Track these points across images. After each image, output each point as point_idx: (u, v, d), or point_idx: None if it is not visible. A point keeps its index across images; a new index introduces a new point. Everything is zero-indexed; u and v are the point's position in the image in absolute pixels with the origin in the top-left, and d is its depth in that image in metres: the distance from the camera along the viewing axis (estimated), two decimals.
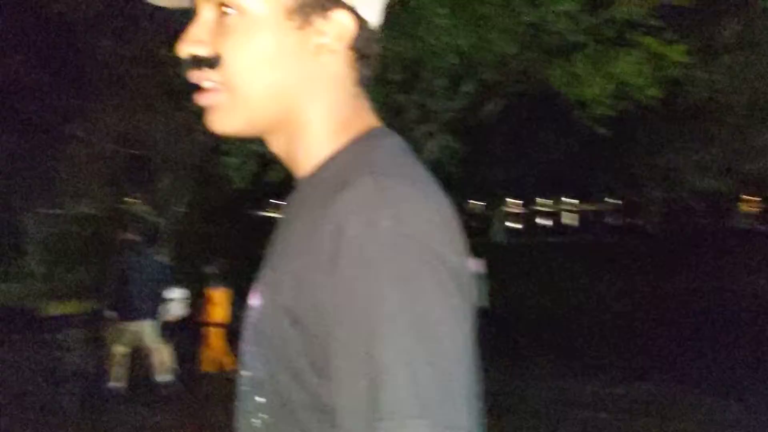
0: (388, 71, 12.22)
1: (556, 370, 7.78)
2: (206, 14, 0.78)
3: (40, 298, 13.56)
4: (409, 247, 0.65)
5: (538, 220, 53.73)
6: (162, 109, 15.41)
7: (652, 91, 11.48)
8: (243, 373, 0.82)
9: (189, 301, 8.79)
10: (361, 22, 0.81)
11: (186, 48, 0.78)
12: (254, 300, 0.81)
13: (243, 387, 0.81)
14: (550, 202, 58.93)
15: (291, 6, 0.76)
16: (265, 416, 0.75)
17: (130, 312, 7.53)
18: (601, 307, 12.84)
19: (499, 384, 7.41)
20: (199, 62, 0.78)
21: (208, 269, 9.54)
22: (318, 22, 0.78)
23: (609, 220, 50.79)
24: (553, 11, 11.00)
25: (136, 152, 17.51)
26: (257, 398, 0.76)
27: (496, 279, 14.07)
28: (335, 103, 0.80)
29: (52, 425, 6.61)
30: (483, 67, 12.89)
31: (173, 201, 17.35)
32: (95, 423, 6.68)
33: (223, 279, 9.42)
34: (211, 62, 0.77)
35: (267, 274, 0.81)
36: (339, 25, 0.78)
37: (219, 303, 9.19)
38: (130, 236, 8.36)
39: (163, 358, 7.85)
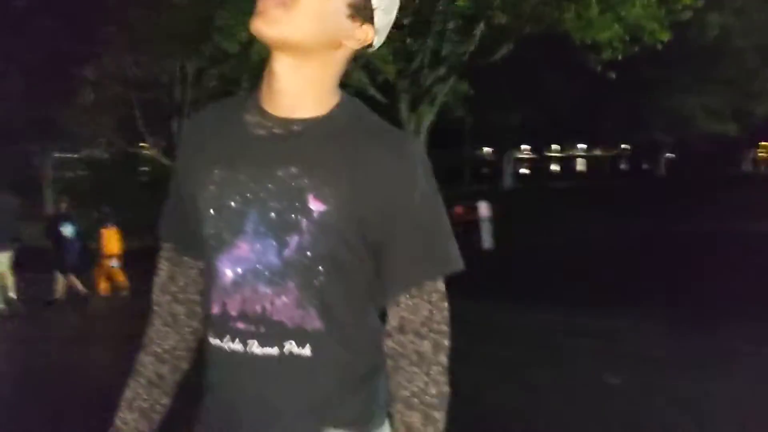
0: (400, 15, 12.21)
1: (549, 304, 8.10)
2: None
3: None
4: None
5: (548, 166, 53.59)
6: (172, 53, 15.42)
7: (663, 35, 11.45)
8: (306, 252, 1.08)
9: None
10: (372, 41, 1.14)
11: None
12: (316, 205, 1.06)
13: (302, 260, 1.08)
14: (559, 147, 58.66)
15: (352, 2, 1.08)
16: (322, 278, 1.08)
17: None
18: (600, 248, 13.07)
19: (498, 316, 7.76)
20: None
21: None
22: (357, 23, 1.10)
23: (618, 164, 50.70)
24: None
25: (147, 96, 17.58)
26: (319, 267, 1.07)
27: (503, 222, 14.30)
28: (338, 72, 1.13)
29: None
30: (494, 11, 12.83)
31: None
32: None
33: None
34: None
35: (319, 183, 1.07)
36: (365, 34, 1.12)
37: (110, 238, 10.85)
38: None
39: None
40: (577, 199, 23.25)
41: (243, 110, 1.14)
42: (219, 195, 1.10)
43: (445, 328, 1.12)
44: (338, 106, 1.13)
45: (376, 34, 1.13)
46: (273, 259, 1.07)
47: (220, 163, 1.11)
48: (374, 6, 1.10)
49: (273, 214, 1.07)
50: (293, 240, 1.07)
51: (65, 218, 10.30)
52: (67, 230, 10.01)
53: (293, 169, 1.07)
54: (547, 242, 14.24)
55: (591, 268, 10.60)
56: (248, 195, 1.09)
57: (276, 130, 1.10)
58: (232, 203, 1.09)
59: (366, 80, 13.42)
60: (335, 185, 1.06)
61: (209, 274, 1.13)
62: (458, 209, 14.02)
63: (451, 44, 14.22)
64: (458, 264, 1.15)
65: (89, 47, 15.84)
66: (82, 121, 17.90)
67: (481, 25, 13.68)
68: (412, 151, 1.12)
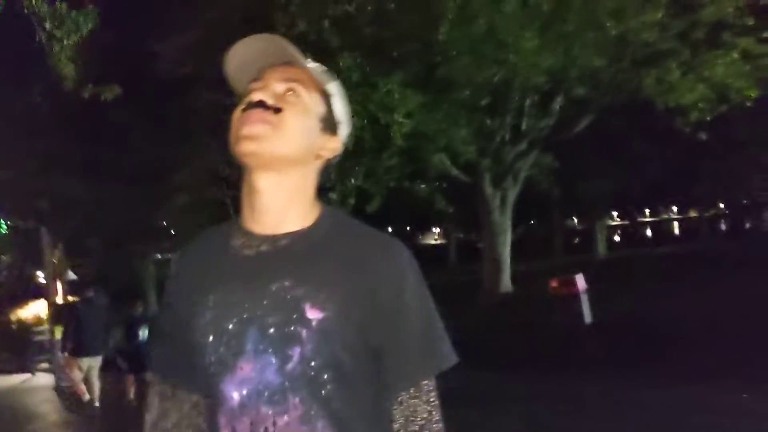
0: (477, 97, 12.39)
1: (667, 379, 7.58)
2: (277, 88, 1.16)
3: None
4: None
5: (641, 232, 51.89)
6: None
7: (752, 91, 11.11)
8: (311, 362, 1.08)
9: None
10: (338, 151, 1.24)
11: (260, 95, 1.13)
12: (313, 313, 1.08)
13: (306, 371, 1.08)
14: (651, 212, 56.84)
15: (323, 117, 1.19)
16: (329, 387, 1.08)
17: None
18: (710, 315, 12.30)
19: (619, 395, 7.31)
20: (265, 106, 1.12)
21: None
22: (327, 135, 1.20)
23: (717, 225, 48.51)
24: (641, 21, 10.87)
25: (239, 195, 18.20)
26: (325, 375, 1.08)
27: (599, 294, 13.77)
28: (315, 184, 1.21)
29: None
30: (571, 83, 12.83)
31: None
32: None
33: None
34: (275, 109, 1.12)
35: (314, 292, 1.09)
36: (334, 145, 1.22)
37: None
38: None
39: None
40: (677, 264, 22.20)
41: (228, 236, 1.19)
42: (216, 320, 1.11)
43: (442, 425, 1.17)
44: (320, 216, 1.19)
45: (341, 143, 1.24)
46: (272, 377, 1.08)
47: (213, 289, 1.13)
48: (338, 120, 1.22)
49: (272, 330, 1.08)
50: (295, 352, 1.07)
51: (142, 321, 10.53)
52: (145, 333, 10.23)
53: (287, 282, 1.10)
54: (650, 312, 13.55)
55: (702, 338, 9.96)
56: (245, 315, 1.10)
57: (263, 248, 1.14)
58: (230, 325, 1.10)
59: (448, 162, 13.54)
60: (330, 291, 1.10)
61: (215, 400, 1.12)
62: (553, 283, 13.60)
63: (530, 119, 14.25)
64: (451, 360, 1.20)
65: (184, 151, 16.75)
66: (179, 222, 18.69)
67: (560, 99, 13.68)
68: (400, 252, 1.18)
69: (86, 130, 16.35)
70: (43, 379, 13.49)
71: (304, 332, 1.08)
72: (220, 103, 15.27)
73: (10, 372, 14.90)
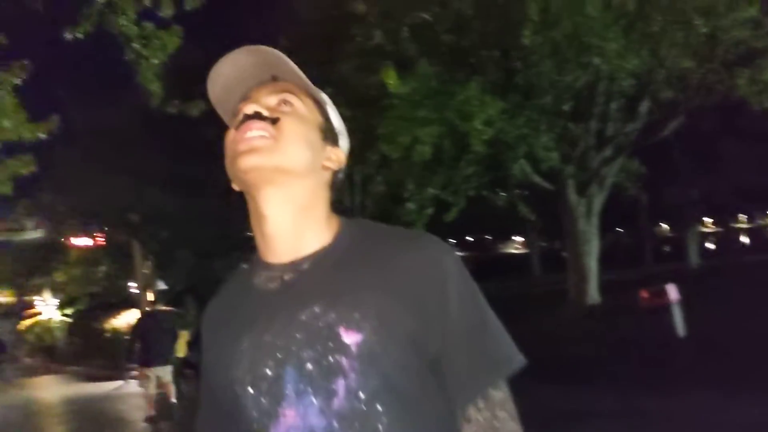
0: (560, 102, 12.10)
1: (763, 397, 7.09)
2: (269, 101, 1.07)
3: None
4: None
5: (737, 239, 49.50)
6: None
7: None
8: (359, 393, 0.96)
9: None
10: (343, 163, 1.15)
11: (254, 107, 1.05)
12: (350, 336, 0.97)
13: (355, 406, 0.96)
14: (747, 217, 54.18)
15: (321, 126, 1.10)
16: (385, 419, 0.95)
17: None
18: None
19: (702, 411, 6.91)
20: (261, 117, 1.04)
21: None
22: (328, 146, 1.11)
23: None
24: (733, 18, 10.36)
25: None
26: (378, 407, 0.95)
27: (694, 305, 13.14)
28: (327, 198, 1.11)
29: None
30: (659, 86, 12.35)
31: None
32: None
33: None
34: (272, 120, 1.04)
35: (346, 313, 0.98)
36: (338, 156, 1.12)
37: None
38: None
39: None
40: None
41: (250, 275, 1.10)
42: (252, 366, 1.01)
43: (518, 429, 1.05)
44: (340, 230, 1.09)
45: (344, 155, 1.15)
46: (316, 420, 0.96)
47: (245, 334, 1.04)
48: (337, 130, 1.14)
49: (309, 365, 0.98)
50: (339, 386, 0.96)
51: None
52: None
53: (316, 309, 1.00)
54: (749, 325, 12.82)
55: None
56: (278, 355, 1.00)
57: (286, 277, 1.05)
58: (267, 370, 1.00)
59: (529, 169, 13.28)
60: (364, 308, 0.98)
61: None
62: (643, 294, 13.07)
63: (616, 123, 13.81)
64: (518, 361, 1.06)
65: None
66: None
67: (646, 102, 13.19)
68: (434, 245, 1.06)
69: (175, 146, 16.96)
70: (135, 387, 14.02)
71: (344, 361, 0.96)
72: None
73: (104, 379, 15.51)
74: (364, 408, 0.95)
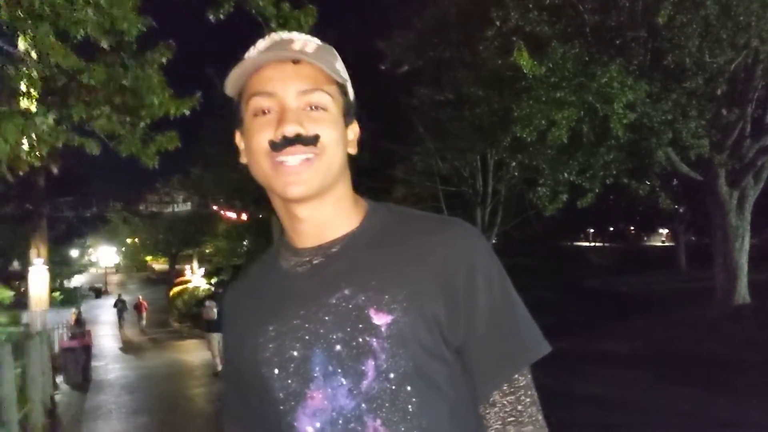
0: (712, 86, 11.26)
1: None
2: (294, 104, 1.00)
3: None
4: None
5: None
6: (474, 147, 16.09)
7: None
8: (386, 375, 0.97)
9: None
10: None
11: (294, 129, 0.99)
12: (380, 318, 0.97)
13: (385, 386, 0.96)
14: None
15: (343, 110, 1.06)
16: (415, 401, 0.96)
17: None
18: None
19: None
20: (304, 140, 0.99)
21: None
22: (350, 126, 1.09)
23: None
24: None
25: (452, 189, 18.50)
26: (408, 387, 0.96)
27: None
28: (350, 180, 1.10)
29: None
30: None
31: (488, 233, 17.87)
32: None
33: None
34: (313, 140, 0.99)
35: (376, 294, 0.98)
36: (354, 132, 1.11)
37: None
38: None
39: None
40: None
41: (277, 259, 1.11)
42: (280, 349, 1.01)
43: (541, 417, 1.04)
44: (367, 212, 1.09)
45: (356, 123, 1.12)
46: (345, 402, 0.97)
47: (273, 318, 1.04)
48: (352, 101, 1.10)
49: (338, 347, 0.98)
50: (369, 366, 0.96)
51: None
52: None
53: (346, 291, 1.00)
54: None
55: None
56: (307, 337, 1.00)
57: (315, 261, 1.05)
58: (294, 352, 1.00)
59: (675, 157, 12.48)
60: (394, 289, 0.98)
61: None
62: None
63: None
64: (544, 347, 1.05)
65: (401, 146, 17.32)
66: None
67: None
68: (463, 231, 1.05)
69: None
70: None
71: (374, 342, 0.96)
72: (434, 100, 15.60)
73: None
74: (394, 388, 0.96)
